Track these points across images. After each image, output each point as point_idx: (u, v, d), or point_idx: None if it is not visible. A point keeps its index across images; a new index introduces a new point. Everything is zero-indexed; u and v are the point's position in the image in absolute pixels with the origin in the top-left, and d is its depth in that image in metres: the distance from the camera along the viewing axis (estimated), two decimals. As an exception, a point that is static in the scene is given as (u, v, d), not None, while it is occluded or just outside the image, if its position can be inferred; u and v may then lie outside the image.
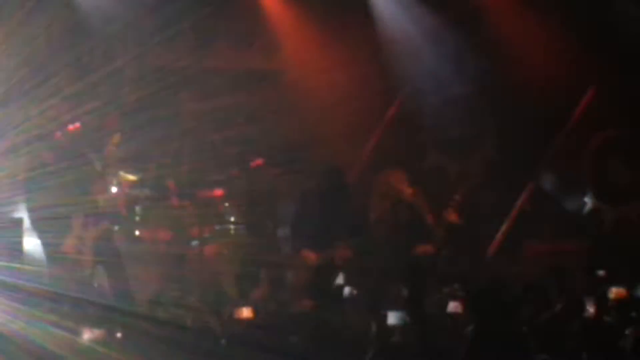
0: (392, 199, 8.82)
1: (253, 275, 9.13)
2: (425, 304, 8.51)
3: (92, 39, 10.23)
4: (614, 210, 9.61)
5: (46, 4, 9.35)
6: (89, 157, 8.70)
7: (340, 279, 8.74)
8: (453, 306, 8.36)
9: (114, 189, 10.31)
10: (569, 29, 9.86)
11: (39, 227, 8.76)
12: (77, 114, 9.41)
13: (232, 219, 10.23)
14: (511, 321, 7.30)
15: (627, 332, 7.13)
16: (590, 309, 7.78)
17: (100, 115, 9.74)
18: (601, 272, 8.43)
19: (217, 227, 10.08)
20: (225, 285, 9.36)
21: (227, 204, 10.36)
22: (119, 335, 8.24)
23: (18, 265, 8.54)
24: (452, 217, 8.98)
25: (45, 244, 8.72)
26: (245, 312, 8.71)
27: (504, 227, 9.79)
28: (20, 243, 8.86)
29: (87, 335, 8.20)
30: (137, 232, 10.10)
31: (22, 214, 8.95)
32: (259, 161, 9.50)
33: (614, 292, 7.97)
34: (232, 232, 10.08)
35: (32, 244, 8.85)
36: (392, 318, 8.18)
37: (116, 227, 10.09)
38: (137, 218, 10.13)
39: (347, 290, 8.61)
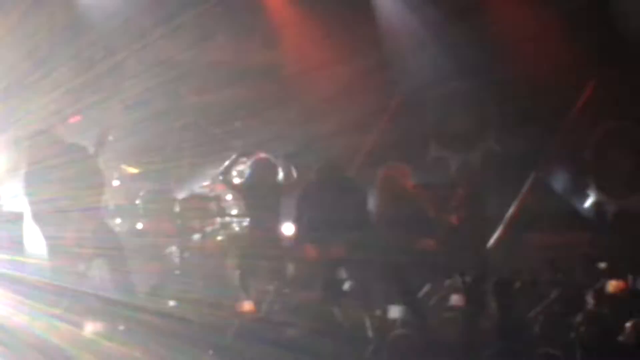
0: (395, 192, 8.81)
1: (255, 269, 9.13)
2: (426, 298, 8.53)
3: (93, 33, 10.23)
4: (615, 203, 9.61)
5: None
6: (89, 150, 8.67)
7: (341, 273, 8.73)
8: (454, 299, 8.37)
9: (115, 182, 10.35)
10: (569, 21, 9.85)
11: (40, 219, 8.76)
12: (78, 107, 9.42)
13: (234, 212, 10.27)
14: (512, 313, 7.31)
15: (627, 324, 7.13)
16: (591, 301, 7.78)
17: (101, 109, 9.76)
18: (602, 265, 8.42)
19: (219, 221, 10.12)
20: (228, 278, 9.38)
21: (229, 197, 10.40)
22: (121, 328, 8.26)
23: (20, 258, 8.55)
24: (454, 210, 8.99)
25: (46, 237, 8.72)
26: (248, 306, 8.73)
27: (505, 220, 9.80)
28: (22, 236, 8.89)
29: (90, 327, 8.21)
30: (138, 225, 10.15)
31: (23, 206, 8.96)
32: (260, 154, 9.48)
33: (615, 284, 7.97)
34: (234, 225, 10.12)
35: (34, 236, 8.87)
36: (393, 312, 8.19)
37: (118, 220, 10.15)
38: (139, 210, 10.17)
39: (347, 284, 8.61)
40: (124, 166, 10.43)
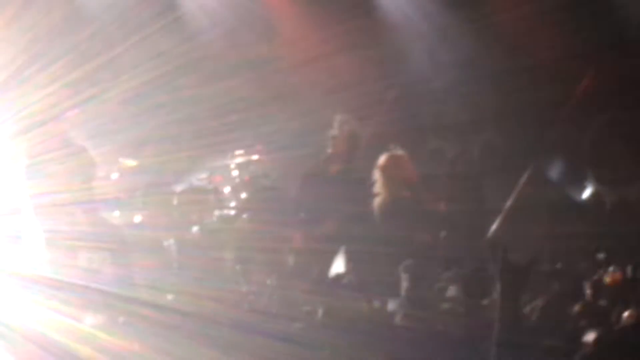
0: (395, 181, 8.80)
1: (254, 261, 9.13)
2: (426, 289, 8.52)
3: (90, 26, 10.22)
4: (614, 193, 9.60)
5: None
6: (87, 144, 8.68)
7: (339, 265, 8.74)
8: (453, 290, 8.36)
9: (114, 175, 10.35)
10: (568, 12, 9.83)
11: (39, 213, 8.77)
12: (76, 100, 9.41)
13: (233, 204, 10.26)
14: (511, 305, 7.30)
15: (626, 314, 7.12)
16: (590, 292, 7.77)
17: (100, 102, 9.75)
18: (601, 255, 8.41)
19: (218, 213, 10.11)
20: (226, 270, 9.38)
21: (227, 190, 10.40)
22: (120, 321, 8.26)
23: (19, 252, 8.56)
24: (452, 203, 8.98)
25: (45, 231, 8.73)
26: (249, 298, 8.74)
27: (504, 211, 9.78)
28: (21, 230, 8.89)
29: (89, 321, 8.22)
30: (137, 218, 10.14)
31: (22, 200, 8.96)
32: (259, 147, 9.50)
33: (614, 274, 7.96)
34: (233, 217, 10.11)
35: (32, 230, 8.87)
36: (392, 304, 8.19)
37: (116, 213, 10.14)
38: (137, 203, 10.16)
39: (346, 276, 8.62)
40: (122, 159, 10.42)
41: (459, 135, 10.78)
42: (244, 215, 9.70)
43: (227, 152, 10.66)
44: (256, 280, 9.01)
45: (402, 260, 8.44)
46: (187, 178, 10.65)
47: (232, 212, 10.09)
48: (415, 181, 8.88)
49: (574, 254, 8.61)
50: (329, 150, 9.29)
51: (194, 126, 10.76)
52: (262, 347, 7.38)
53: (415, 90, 10.87)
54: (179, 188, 10.36)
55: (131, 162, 10.44)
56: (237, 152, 10.61)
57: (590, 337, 6.95)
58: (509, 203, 9.81)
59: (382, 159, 8.95)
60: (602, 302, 7.51)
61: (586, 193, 9.76)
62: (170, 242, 9.87)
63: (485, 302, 7.74)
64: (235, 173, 10.51)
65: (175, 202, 10.07)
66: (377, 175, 8.95)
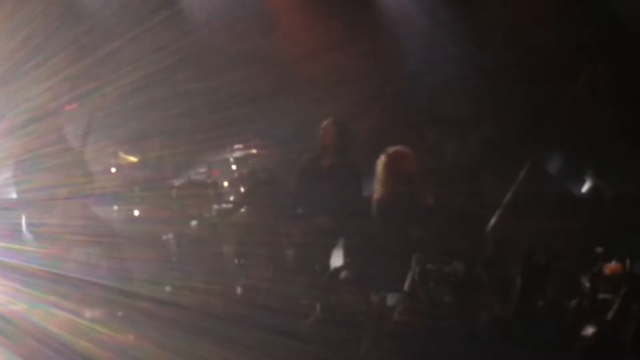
0: (397, 177, 8.79)
1: (253, 255, 9.13)
2: (424, 284, 8.51)
3: (89, 19, 10.21)
4: (613, 188, 9.59)
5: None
6: (85, 139, 8.68)
7: (338, 260, 8.74)
8: (452, 285, 8.35)
9: (112, 169, 10.34)
10: (567, 6, 9.82)
11: (37, 208, 8.76)
12: (74, 95, 9.40)
13: (232, 198, 10.26)
14: (530, 302, 7.30)
15: (625, 309, 7.12)
16: (588, 287, 7.77)
17: (98, 97, 9.73)
18: (600, 250, 8.41)
19: (216, 207, 10.11)
20: (225, 264, 9.38)
21: (226, 184, 10.40)
22: (118, 315, 8.26)
23: (17, 246, 8.55)
24: (451, 197, 8.97)
25: (43, 225, 8.72)
26: (245, 292, 8.74)
27: (502, 206, 9.78)
28: (19, 224, 8.88)
29: (87, 315, 8.22)
30: (135, 212, 10.14)
31: (21, 194, 8.95)
32: (257, 141, 9.50)
33: (612, 269, 7.96)
34: (232, 211, 10.10)
35: (31, 224, 8.86)
36: (391, 299, 8.18)
37: (115, 207, 10.14)
38: (136, 198, 10.15)
39: (343, 270, 8.61)
40: (120, 153, 10.41)
41: (457, 130, 10.77)
42: (243, 210, 9.71)
43: (226, 146, 10.66)
44: (254, 274, 9.01)
45: (401, 254, 8.43)
46: (186, 172, 10.65)
47: (231, 206, 10.10)
48: (416, 177, 8.87)
49: (573, 249, 8.61)
50: (320, 145, 9.35)
51: (192, 120, 10.76)
52: (261, 341, 7.38)
53: (413, 85, 10.86)
54: (177, 182, 10.36)
55: (130, 157, 10.44)
56: (236, 146, 10.63)
57: (588, 331, 6.96)
58: (507, 198, 9.82)
59: (384, 154, 8.93)
60: (601, 297, 7.50)
61: (585, 188, 9.76)
62: (169, 236, 9.88)
63: (482, 297, 7.72)
64: (234, 167, 10.51)
65: (173, 196, 10.07)
66: (378, 169, 8.93)
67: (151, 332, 7.58)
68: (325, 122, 9.45)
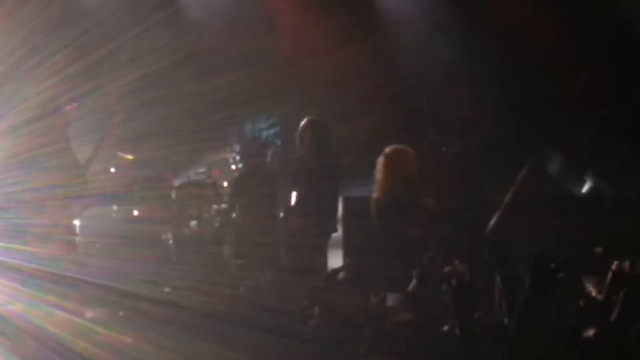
0: (397, 176, 8.77)
1: (251, 255, 9.13)
2: (425, 284, 8.50)
3: (88, 19, 10.21)
4: (613, 188, 9.58)
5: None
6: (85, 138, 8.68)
7: (337, 260, 8.74)
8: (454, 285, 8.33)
9: (112, 169, 10.34)
10: (567, 6, 9.81)
11: (36, 207, 8.76)
12: (74, 94, 9.40)
13: (230, 198, 10.26)
14: (538, 305, 7.28)
15: (625, 310, 7.10)
16: (589, 287, 7.75)
17: (98, 96, 9.74)
18: (600, 250, 8.40)
19: (216, 207, 10.11)
20: (224, 264, 9.38)
21: (225, 184, 10.39)
22: (118, 315, 8.26)
23: (17, 246, 8.55)
24: (451, 197, 8.96)
25: (41, 225, 8.72)
26: (244, 292, 8.72)
27: (503, 206, 9.76)
28: (20, 224, 8.87)
29: (87, 315, 8.21)
30: (135, 212, 10.14)
31: (21, 194, 8.94)
32: (255, 140, 9.50)
33: (613, 270, 7.94)
34: (230, 212, 10.10)
35: (30, 224, 8.85)
36: (392, 299, 8.17)
37: (114, 207, 10.15)
38: (136, 198, 10.16)
39: (342, 270, 8.59)
40: (120, 153, 10.42)
41: (457, 130, 10.76)
42: (242, 210, 9.70)
43: (226, 146, 10.66)
44: (253, 274, 9.01)
45: (402, 254, 8.42)
46: (186, 172, 10.66)
47: (230, 207, 10.10)
48: (416, 176, 8.85)
49: (574, 249, 8.59)
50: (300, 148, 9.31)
51: (192, 120, 10.75)
52: (260, 341, 7.36)
53: (413, 84, 10.85)
54: (177, 182, 10.36)
55: (129, 156, 10.44)
56: (235, 146, 10.62)
57: (590, 332, 6.94)
58: (507, 198, 9.80)
59: (384, 153, 8.91)
60: (602, 298, 7.48)
61: (585, 188, 9.75)
62: (168, 236, 9.88)
63: (476, 315, 7.68)
64: (233, 167, 10.50)
65: (173, 196, 10.07)
66: (378, 168, 8.92)
67: (151, 332, 7.56)
68: (303, 122, 9.36)
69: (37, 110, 8.77)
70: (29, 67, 9.06)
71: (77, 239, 8.76)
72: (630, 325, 6.96)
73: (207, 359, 7.33)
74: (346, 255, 8.77)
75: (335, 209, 9.04)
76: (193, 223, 9.97)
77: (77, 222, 8.87)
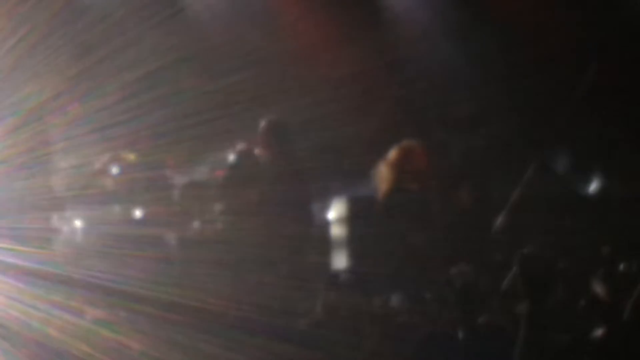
0: (402, 175, 8.73)
1: (255, 257, 9.10)
2: (429, 286, 8.46)
3: (90, 18, 10.21)
4: (620, 187, 9.54)
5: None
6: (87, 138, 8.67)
7: (340, 262, 8.72)
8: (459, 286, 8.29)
9: (114, 170, 10.32)
10: (573, 5, 9.78)
11: (39, 209, 8.76)
12: (75, 94, 9.41)
13: (233, 200, 10.22)
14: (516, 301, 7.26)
15: (633, 310, 7.08)
16: (596, 287, 7.72)
17: (100, 96, 9.74)
18: (607, 249, 8.38)
19: (218, 209, 10.08)
20: (227, 265, 9.34)
21: (228, 185, 10.35)
22: (120, 317, 8.24)
23: (19, 247, 8.53)
24: (458, 198, 8.93)
25: (43, 227, 8.72)
26: (247, 294, 8.69)
27: (509, 206, 9.73)
28: (23, 225, 8.86)
29: (89, 317, 8.20)
30: (137, 213, 10.11)
31: (22, 196, 8.93)
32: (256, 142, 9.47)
33: (620, 270, 7.92)
34: (232, 214, 10.06)
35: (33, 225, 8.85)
36: (394, 300, 8.14)
37: (116, 208, 10.12)
38: (138, 199, 10.13)
39: (344, 272, 8.59)
40: (122, 153, 10.40)
41: (464, 128, 10.73)
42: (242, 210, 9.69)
43: (229, 146, 10.62)
44: (256, 276, 8.97)
45: (406, 255, 8.39)
46: (188, 172, 10.63)
47: (230, 207, 10.06)
48: (425, 173, 8.80)
49: (581, 248, 8.56)
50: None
51: (195, 120, 10.71)
52: (263, 343, 7.35)
53: (420, 83, 10.81)
54: (180, 182, 10.34)
55: (131, 156, 10.41)
56: (237, 146, 10.57)
57: (597, 332, 6.92)
58: (514, 197, 9.76)
59: (393, 149, 8.86)
60: (609, 297, 7.45)
61: (592, 187, 9.71)
62: (171, 237, 9.85)
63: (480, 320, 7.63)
64: (233, 167, 10.45)
65: (176, 196, 10.05)
66: (385, 165, 8.87)
67: (154, 334, 7.55)
68: (262, 123, 9.10)
69: (37, 110, 8.76)
70: (29, 66, 9.06)
71: (78, 239, 8.75)
72: (638, 325, 6.95)
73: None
74: (349, 257, 8.74)
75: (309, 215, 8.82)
76: (196, 223, 9.95)
77: (77, 223, 8.86)
